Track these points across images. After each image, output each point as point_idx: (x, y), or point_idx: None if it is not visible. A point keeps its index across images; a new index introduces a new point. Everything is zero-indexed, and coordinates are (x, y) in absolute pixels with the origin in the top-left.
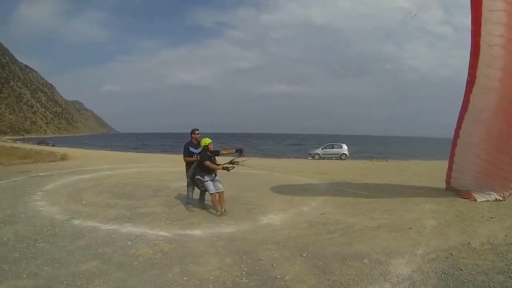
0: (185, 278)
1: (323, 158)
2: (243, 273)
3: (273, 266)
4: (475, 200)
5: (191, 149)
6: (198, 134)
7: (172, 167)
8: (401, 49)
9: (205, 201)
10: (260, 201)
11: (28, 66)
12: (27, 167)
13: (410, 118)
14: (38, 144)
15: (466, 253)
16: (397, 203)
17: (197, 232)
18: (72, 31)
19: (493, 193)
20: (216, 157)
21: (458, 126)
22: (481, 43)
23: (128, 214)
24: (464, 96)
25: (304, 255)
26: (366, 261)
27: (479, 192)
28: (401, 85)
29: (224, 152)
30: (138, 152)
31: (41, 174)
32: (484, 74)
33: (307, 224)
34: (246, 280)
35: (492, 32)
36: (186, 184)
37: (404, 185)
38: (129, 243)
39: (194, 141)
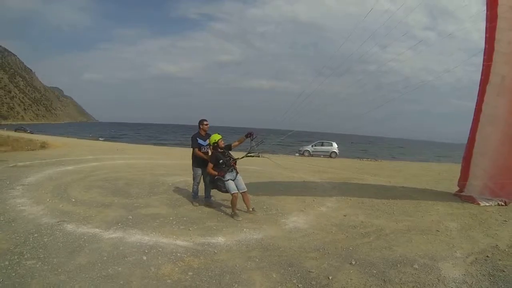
0: None
1: (312, 156)
2: None
3: (328, 278)
4: (479, 204)
5: (199, 140)
6: (206, 125)
7: (161, 160)
8: (384, 51)
9: (211, 197)
10: (272, 200)
11: (7, 49)
12: (3, 156)
13: (390, 119)
14: (15, 130)
15: (499, 255)
16: (411, 205)
17: (221, 239)
18: (53, 15)
19: (495, 199)
20: (230, 151)
21: (480, 101)
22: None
23: (130, 216)
24: (483, 65)
25: (353, 263)
26: (416, 266)
27: (481, 198)
28: (383, 86)
29: (236, 143)
30: (122, 143)
31: (20, 164)
32: (506, 40)
33: (336, 228)
34: None
35: None
36: (192, 177)
37: (406, 186)
38: (144, 257)
39: (202, 132)
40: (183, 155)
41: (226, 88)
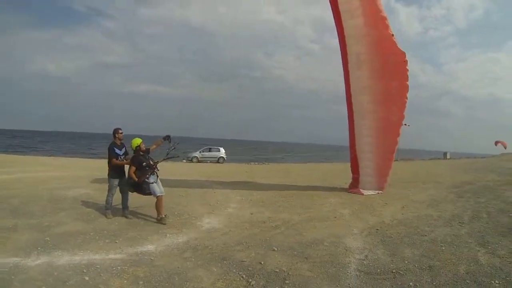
0: None
1: (200, 161)
2: (244, 276)
3: (261, 263)
4: (362, 194)
5: (116, 150)
6: (121, 133)
7: (51, 171)
8: (270, 59)
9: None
10: (180, 206)
11: None
12: None
13: (271, 122)
14: None
15: (386, 227)
16: (307, 199)
17: (151, 247)
18: None
19: (374, 189)
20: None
21: (347, 79)
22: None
23: (47, 238)
24: (341, 50)
25: (275, 249)
26: (326, 244)
27: (364, 189)
28: (267, 92)
29: (154, 146)
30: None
31: None
32: (351, 25)
33: (248, 224)
34: (254, 282)
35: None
36: (108, 188)
37: (298, 185)
38: (86, 278)
39: (117, 141)
40: (77, 165)
41: (109, 92)
